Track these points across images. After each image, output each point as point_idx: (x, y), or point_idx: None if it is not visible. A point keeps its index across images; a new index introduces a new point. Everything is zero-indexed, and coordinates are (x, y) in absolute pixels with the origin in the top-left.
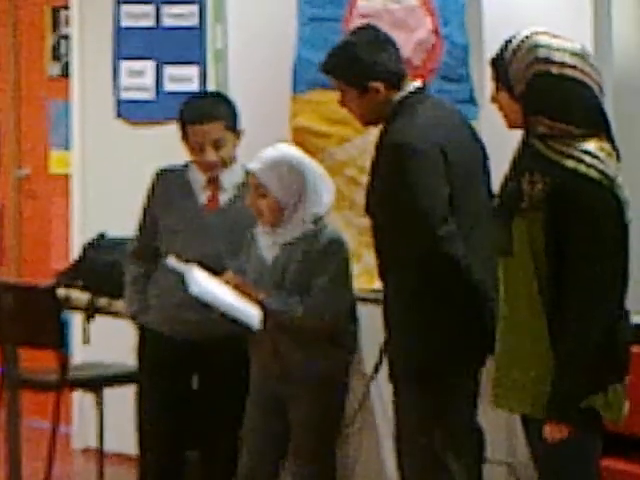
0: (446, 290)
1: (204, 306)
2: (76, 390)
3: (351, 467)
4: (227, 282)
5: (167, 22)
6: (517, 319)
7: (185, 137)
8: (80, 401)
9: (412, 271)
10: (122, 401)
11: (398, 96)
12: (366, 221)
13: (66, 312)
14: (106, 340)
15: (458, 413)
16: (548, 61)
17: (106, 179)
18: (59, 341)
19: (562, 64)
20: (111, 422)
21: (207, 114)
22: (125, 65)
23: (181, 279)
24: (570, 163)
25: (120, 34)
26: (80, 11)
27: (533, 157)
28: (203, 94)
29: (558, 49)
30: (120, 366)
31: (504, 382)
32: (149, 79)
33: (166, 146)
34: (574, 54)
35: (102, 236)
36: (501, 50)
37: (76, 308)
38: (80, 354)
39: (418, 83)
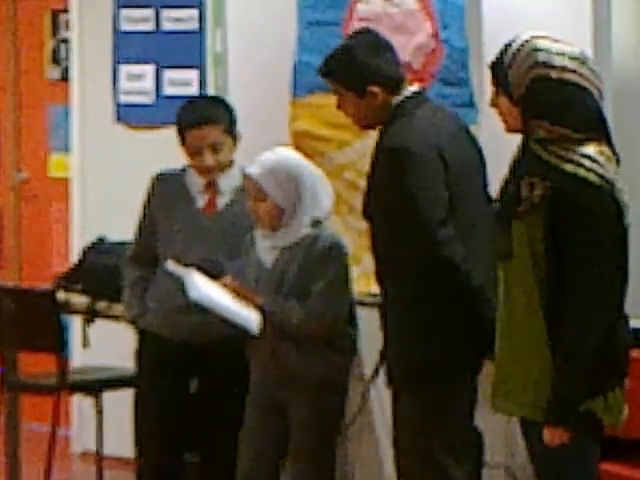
0: (445, 294)
1: (203, 310)
2: (75, 394)
3: (350, 470)
4: (226, 286)
5: (167, 26)
6: (516, 323)
7: (183, 141)
8: (79, 404)
9: (411, 275)
10: (121, 405)
11: (396, 100)
12: (365, 224)
13: (65, 316)
14: (105, 344)
15: (457, 416)
16: (547, 65)
17: (106, 183)
18: (58, 345)
19: (561, 68)
20: (110, 426)
21: (205, 118)
22: (125, 69)
23: (180, 283)
24: (569, 167)
25: (120, 38)
26: (80, 15)
27: (532, 161)
28: (201, 98)
29: (557, 53)
30: (119, 370)
31: (503, 386)
32: (149, 83)
33: (166, 150)
34: (573, 58)
35: (102, 240)
36: (500, 54)
37: (75, 312)
38: (79, 358)
39: (416, 87)
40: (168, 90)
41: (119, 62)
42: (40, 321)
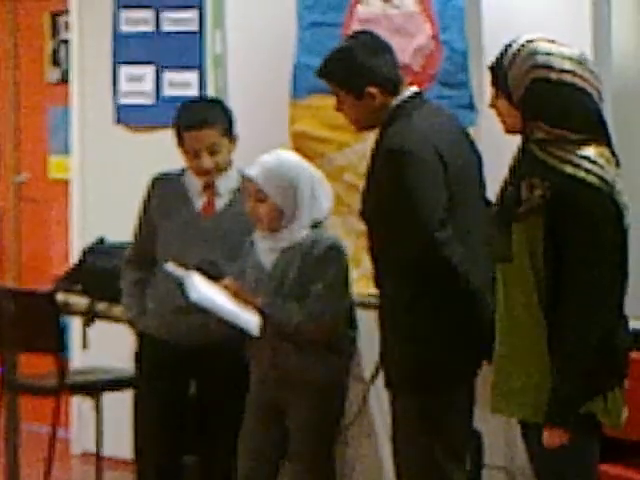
0: (444, 295)
1: (202, 311)
2: (75, 395)
3: (350, 472)
4: (226, 287)
5: (166, 27)
6: (516, 324)
7: (181, 143)
8: (79, 406)
9: (410, 276)
10: (121, 406)
11: (395, 102)
12: (365, 226)
13: (65, 317)
14: (105, 345)
15: (457, 417)
16: (547, 67)
17: (105, 184)
18: (58, 346)
19: (561, 70)
20: (110, 427)
21: (203, 120)
22: (124, 70)
23: (180, 285)
24: (569, 169)
25: (119, 39)
26: (79, 16)
27: (532, 162)
28: (198, 100)
29: (557, 55)
30: (119, 371)
31: (503, 387)
32: (148, 84)
33: (165, 151)
34: (573, 60)
35: (101, 241)
36: (500, 56)
37: (75, 313)
38: (79, 359)
39: (415, 89)
40: (168, 91)
41: (119, 63)
42: (40, 322)
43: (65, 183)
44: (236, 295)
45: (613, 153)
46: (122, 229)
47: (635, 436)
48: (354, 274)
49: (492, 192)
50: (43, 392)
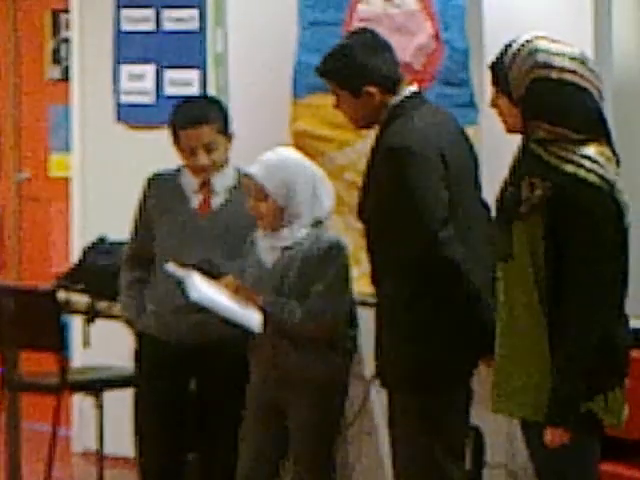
0: (444, 294)
1: (201, 310)
2: (76, 393)
3: (350, 471)
4: (227, 286)
5: (167, 26)
6: (516, 323)
7: (177, 141)
8: (80, 404)
9: (410, 275)
10: (122, 404)
11: (394, 101)
12: None
13: (66, 315)
14: (106, 343)
15: (456, 417)
16: (547, 66)
17: (106, 182)
18: (59, 344)
19: (561, 69)
20: (111, 425)
21: (200, 118)
22: (125, 69)
23: (180, 285)
24: (570, 168)
25: (120, 38)
26: (80, 15)
27: (533, 162)
28: (194, 98)
29: (557, 54)
30: (120, 369)
31: (503, 386)
32: (149, 83)
33: (166, 150)
34: (574, 59)
35: (102, 239)
36: (501, 55)
37: (76, 311)
38: (80, 357)
39: (414, 88)
40: (169, 90)
41: (120, 62)
42: (41, 321)
43: (66, 181)
44: (237, 293)
45: (614, 152)
46: (123, 227)
47: (636, 435)
48: (354, 273)
49: (493, 191)
50: (44, 390)
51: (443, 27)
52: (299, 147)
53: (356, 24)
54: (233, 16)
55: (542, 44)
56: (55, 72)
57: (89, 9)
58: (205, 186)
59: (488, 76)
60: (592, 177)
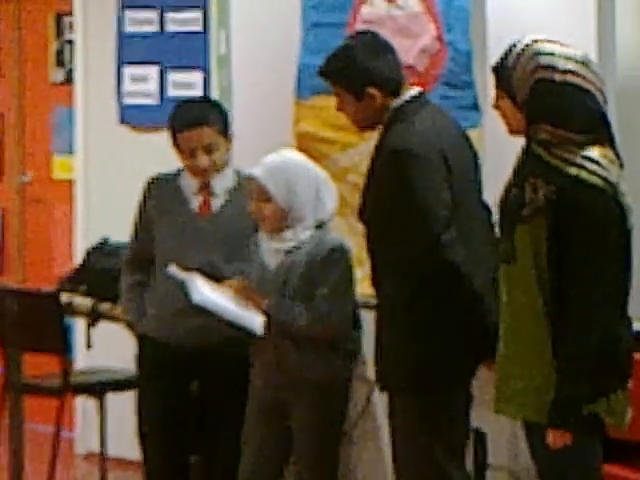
0: (445, 296)
1: (205, 312)
2: (79, 395)
3: (353, 472)
4: (233, 288)
5: (171, 28)
6: (519, 325)
7: (176, 143)
8: (83, 406)
9: (411, 276)
10: (125, 406)
11: (396, 102)
12: None
13: (69, 317)
14: (109, 345)
15: (456, 417)
16: (550, 68)
17: (109, 184)
18: (62, 346)
19: (565, 71)
20: (114, 427)
21: (200, 119)
22: (129, 71)
23: (182, 288)
24: (572, 170)
25: (124, 40)
26: (84, 17)
27: (536, 164)
28: (193, 100)
29: (560, 56)
30: (123, 371)
31: (506, 388)
32: (153, 85)
33: (169, 152)
34: (577, 61)
35: (105, 241)
36: (504, 57)
37: (79, 313)
38: (83, 359)
39: (417, 90)
40: (172, 92)
41: (123, 64)
42: (44, 323)
43: (69, 183)
44: (242, 295)
45: (617, 154)
46: (126, 229)
47: (639, 436)
48: (358, 274)
49: (496, 193)
50: (47, 392)
51: (446, 29)
52: (302, 149)
53: (359, 26)
54: (236, 18)
55: (545, 46)
56: (59, 74)
57: (92, 11)
58: (205, 188)
59: (491, 78)
60: (595, 179)
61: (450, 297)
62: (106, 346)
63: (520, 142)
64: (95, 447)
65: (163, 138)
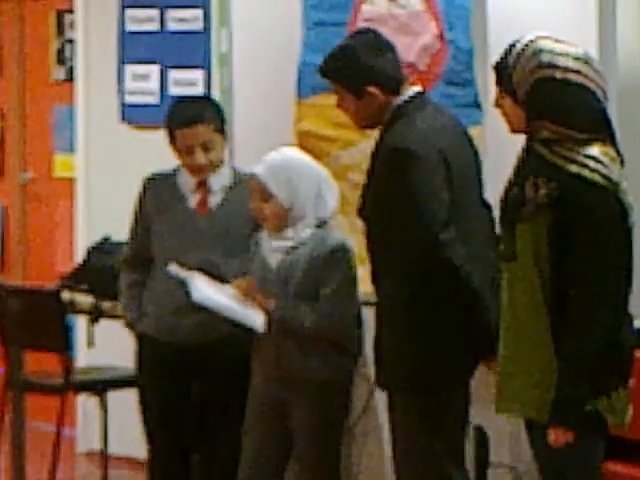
0: (445, 295)
1: (201, 311)
2: (80, 393)
3: (355, 471)
4: (238, 287)
5: (172, 26)
6: (520, 323)
7: (173, 141)
8: (84, 404)
9: (411, 276)
10: (126, 404)
11: (397, 101)
12: None
13: (70, 315)
14: (110, 343)
15: (456, 417)
16: (551, 66)
17: (110, 183)
18: (63, 344)
19: (566, 69)
20: (115, 425)
21: (197, 117)
22: (130, 69)
23: (182, 286)
24: (574, 168)
25: (125, 38)
26: (85, 15)
27: (537, 162)
28: (190, 97)
29: (561, 54)
30: (124, 369)
31: (507, 388)
32: (154, 83)
33: (170, 150)
34: (578, 59)
35: (106, 239)
36: (505, 55)
37: (80, 311)
38: (84, 357)
39: (417, 89)
40: (173, 90)
41: (124, 62)
42: (45, 321)
43: (70, 181)
44: (248, 295)
45: (618, 152)
46: (127, 228)
47: None
48: (359, 273)
49: (497, 192)
50: (48, 390)
51: (447, 27)
52: (303, 147)
53: (361, 24)
54: (237, 16)
55: (546, 44)
56: (60, 72)
57: (93, 9)
58: (202, 186)
59: (492, 76)
60: (596, 177)
61: (450, 297)
62: (107, 344)
63: (521, 140)
64: (96, 445)
65: (164, 136)
